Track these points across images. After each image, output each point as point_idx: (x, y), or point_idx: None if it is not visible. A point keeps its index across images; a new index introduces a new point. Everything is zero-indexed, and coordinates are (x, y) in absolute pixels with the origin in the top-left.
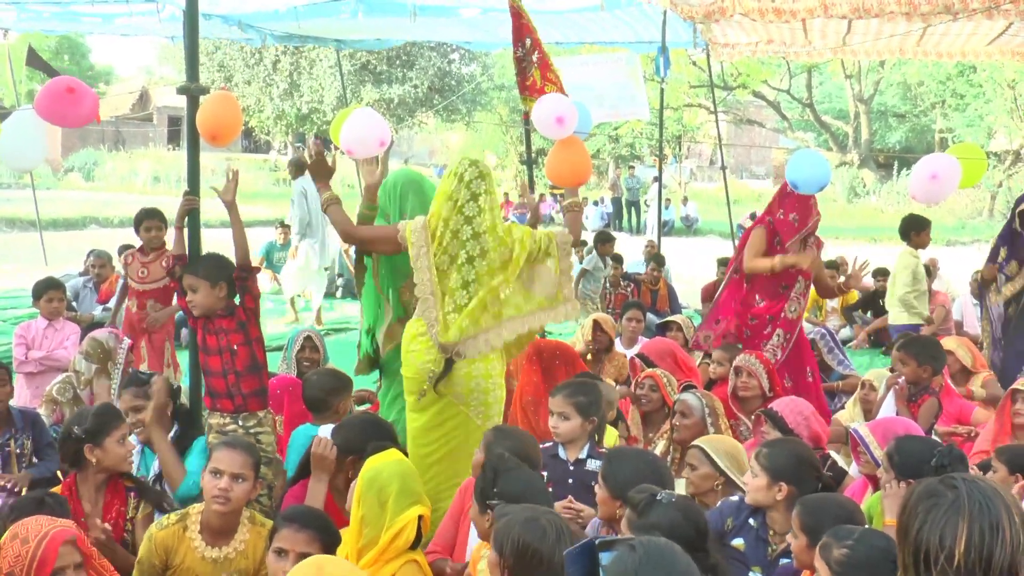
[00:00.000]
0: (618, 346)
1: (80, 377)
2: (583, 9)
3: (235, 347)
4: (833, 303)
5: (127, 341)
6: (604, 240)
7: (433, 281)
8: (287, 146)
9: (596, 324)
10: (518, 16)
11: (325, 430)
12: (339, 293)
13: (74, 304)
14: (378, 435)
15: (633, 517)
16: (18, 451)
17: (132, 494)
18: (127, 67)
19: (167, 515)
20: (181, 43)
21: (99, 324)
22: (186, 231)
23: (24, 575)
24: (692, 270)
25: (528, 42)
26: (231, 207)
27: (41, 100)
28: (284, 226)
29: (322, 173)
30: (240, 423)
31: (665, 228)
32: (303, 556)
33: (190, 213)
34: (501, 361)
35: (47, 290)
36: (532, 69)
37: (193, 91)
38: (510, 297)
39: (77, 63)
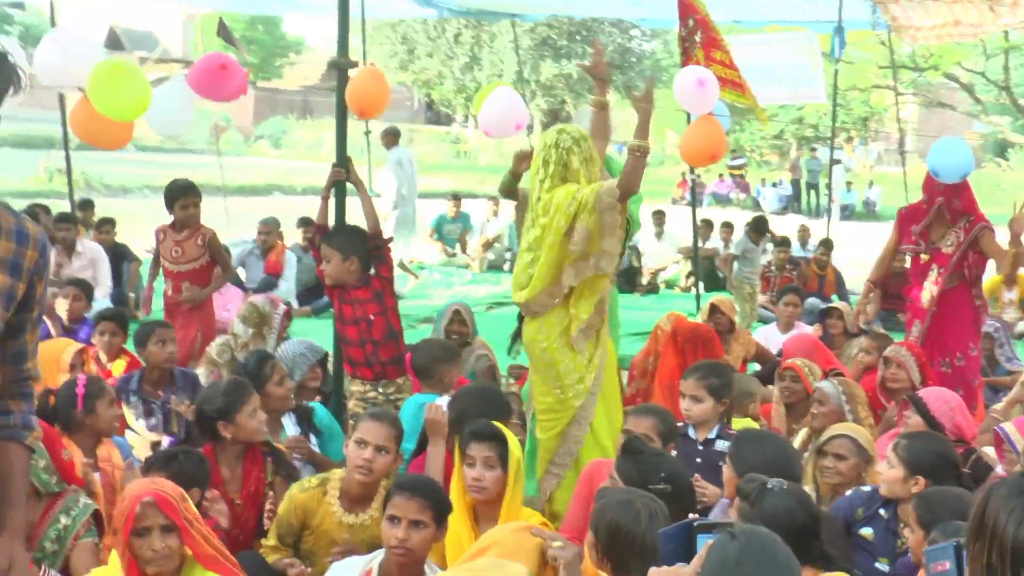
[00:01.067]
0: (772, 329)
1: (238, 340)
2: None
3: (371, 317)
4: (1011, 294)
5: (283, 307)
6: (757, 229)
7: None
8: (467, 119)
9: (713, 307)
10: None
11: (443, 401)
12: (507, 267)
13: (240, 270)
14: (493, 405)
15: (746, 507)
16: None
17: (269, 459)
18: (317, 38)
19: (308, 478)
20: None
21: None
22: (332, 201)
23: (120, 531)
24: (871, 256)
25: (691, 22)
26: (358, 184)
27: (194, 74)
28: (455, 198)
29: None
30: (380, 390)
31: (845, 212)
32: (414, 524)
33: (336, 184)
34: (548, 324)
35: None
36: (695, 50)
37: (341, 65)
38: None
39: (270, 33)
